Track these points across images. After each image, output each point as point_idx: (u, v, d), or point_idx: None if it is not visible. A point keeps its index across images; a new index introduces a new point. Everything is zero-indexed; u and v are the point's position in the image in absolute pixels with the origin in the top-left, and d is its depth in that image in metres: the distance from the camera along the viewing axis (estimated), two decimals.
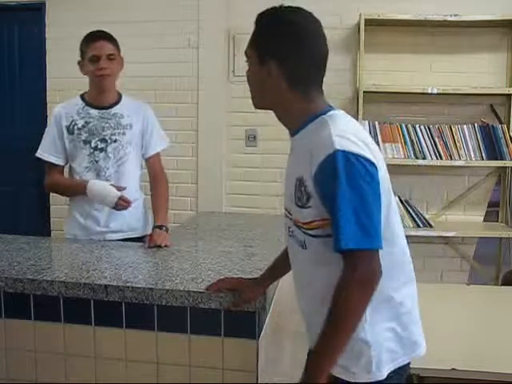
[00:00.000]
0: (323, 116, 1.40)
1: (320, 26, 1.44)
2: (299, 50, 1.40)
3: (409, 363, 1.47)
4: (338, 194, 1.26)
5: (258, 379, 1.66)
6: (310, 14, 1.44)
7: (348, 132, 1.33)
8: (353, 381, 1.39)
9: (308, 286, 1.46)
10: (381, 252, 1.30)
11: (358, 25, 3.61)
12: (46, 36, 4.13)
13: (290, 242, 1.52)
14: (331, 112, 1.42)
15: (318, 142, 1.33)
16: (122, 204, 2.35)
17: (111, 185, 2.37)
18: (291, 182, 1.44)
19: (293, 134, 1.49)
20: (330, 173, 1.28)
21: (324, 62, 1.44)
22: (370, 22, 3.57)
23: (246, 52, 1.49)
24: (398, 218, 1.46)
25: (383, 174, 1.37)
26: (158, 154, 2.59)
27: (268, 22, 1.46)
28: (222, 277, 1.80)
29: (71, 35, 4.01)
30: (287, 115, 1.47)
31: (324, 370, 1.31)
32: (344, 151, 1.27)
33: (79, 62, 2.44)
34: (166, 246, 2.21)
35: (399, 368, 1.42)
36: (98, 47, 2.37)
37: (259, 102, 1.51)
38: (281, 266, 1.67)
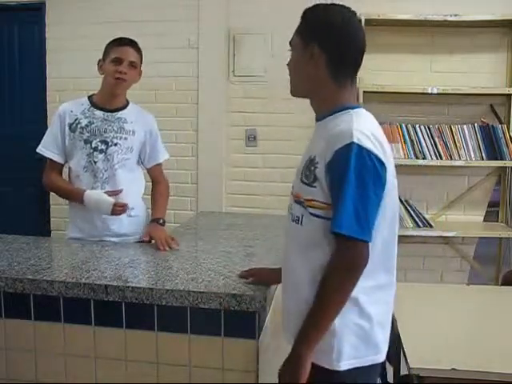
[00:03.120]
0: (350, 110, 1.48)
1: (360, 23, 1.56)
2: (341, 36, 1.49)
3: (378, 365, 1.49)
4: (343, 182, 1.35)
5: (257, 379, 1.66)
6: (353, 11, 1.53)
7: (367, 129, 1.41)
8: (317, 363, 1.43)
9: (295, 264, 1.51)
10: (381, 246, 1.42)
11: None
12: (46, 36, 4.14)
13: (287, 218, 1.58)
14: (358, 109, 1.50)
15: (339, 131, 1.42)
16: (117, 210, 2.36)
17: (106, 192, 2.37)
18: (303, 160, 1.52)
19: (318, 118, 1.56)
20: (342, 161, 1.37)
21: (361, 57, 1.53)
22: (369, 22, 3.57)
23: (290, 42, 1.57)
24: (393, 223, 1.49)
25: (390, 176, 1.44)
26: (159, 165, 2.62)
27: (314, 12, 1.54)
28: (222, 277, 1.81)
29: (71, 35, 4.06)
30: (319, 100, 1.54)
31: (309, 347, 1.40)
32: (359, 145, 1.36)
33: (99, 62, 2.44)
34: (175, 245, 2.24)
35: (364, 367, 1.45)
36: (123, 51, 2.39)
37: (297, 89, 1.58)
38: None
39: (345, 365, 1.43)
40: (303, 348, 1.41)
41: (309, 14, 1.55)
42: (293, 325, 1.48)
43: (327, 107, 1.51)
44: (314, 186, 1.44)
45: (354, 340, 1.44)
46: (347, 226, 1.34)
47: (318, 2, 1.55)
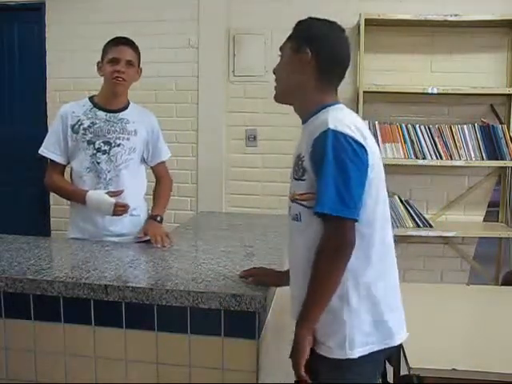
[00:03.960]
0: (328, 107, 1.55)
1: (348, 41, 1.63)
2: (332, 49, 1.58)
3: (383, 350, 1.53)
4: (323, 165, 1.41)
5: (257, 379, 1.66)
6: (343, 29, 1.62)
7: (344, 118, 1.49)
8: (328, 355, 1.49)
9: (299, 258, 1.54)
10: (361, 234, 1.44)
11: (358, 25, 3.61)
12: (46, 36, 4.14)
13: (288, 221, 1.62)
14: (338, 105, 1.58)
15: (317, 124, 1.49)
16: (118, 210, 2.37)
17: (107, 192, 2.38)
18: (293, 160, 1.58)
19: (303, 121, 1.61)
20: (320, 147, 1.43)
21: (345, 70, 1.62)
22: (369, 22, 3.57)
23: (280, 47, 1.64)
24: (385, 206, 1.54)
25: (375, 160, 1.48)
26: (163, 162, 2.64)
27: (310, 23, 1.62)
28: (222, 277, 1.81)
29: (71, 35, 4.06)
30: (303, 104, 1.60)
31: (306, 327, 1.46)
32: (335, 130, 1.43)
33: (98, 63, 2.46)
34: (170, 243, 2.24)
35: (372, 353, 1.49)
36: (119, 51, 2.40)
37: (282, 94, 1.63)
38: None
39: (358, 352, 1.47)
40: (300, 330, 1.46)
41: (304, 24, 1.61)
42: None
43: (310, 110, 1.57)
44: (304, 179, 1.49)
45: (365, 328, 1.48)
46: (330, 206, 1.38)
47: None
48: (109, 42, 2.45)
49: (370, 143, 1.49)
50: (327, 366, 1.49)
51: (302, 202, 1.51)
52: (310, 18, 1.62)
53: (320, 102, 1.56)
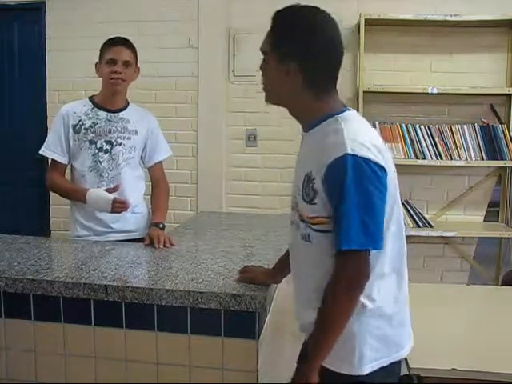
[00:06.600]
0: (337, 116, 1.42)
1: (337, 25, 1.47)
2: (319, 52, 1.42)
3: (397, 363, 1.48)
4: (344, 197, 1.30)
5: (257, 379, 1.66)
6: (327, 14, 1.46)
7: (360, 135, 1.35)
8: (337, 371, 1.42)
9: (309, 278, 1.47)
10: (392, 246, 1.40)
11: (358, 25, 3.61)
12: (46, 36, 4.14)
13: (292, 233, 1.54)
14: (345, 113, 1.44)
15: (331, 143, 1.35)
16: (117, 207, 2.37)
17: (106, 189, 2.39)
18: (300, 177, 1.46)
19: (306, 129, 1.50)
20: (338, 174, 1.31)
21: (340, 61, 1.47)
22: (369, 22, 3.57)
23: (261, 49, 1.53)
24: (399, 222, 1.47)
25: (391, 176, 1.39)
26: (160, 163, 2.64)
27: (288, 22, 1.46)
28: (222, 277, 1.81)
29: (71, 35, 4.06)
30: (301, 112, 1.49)
31: (313, 366, 1.39)
32: (354, 155, 1.30)
33: (96, 64, 2.48)
34: (171, 244, 2.23)
35: (383, 368, 1.42)
36: (116, 51, 2.42)
37: (272, 98, 1.53)
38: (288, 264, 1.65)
39: (367, 368, 1.40)
40: (307, 368, 1.39)
41: (280, 21, 1.46)
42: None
43: (311, 117, 1.45)
44: (315, 203, 1.38)
45: (375, 342, 1.41)
46: (357, 241, 1.29)
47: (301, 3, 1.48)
48: (105, 42, 2.46)
49: (386, 156, 1.38)
50: (331, 378, 1.41)
51: (312, 226, 1.41)
52: (288, 11, 1.44)
53: (323, 111, 1.43)
